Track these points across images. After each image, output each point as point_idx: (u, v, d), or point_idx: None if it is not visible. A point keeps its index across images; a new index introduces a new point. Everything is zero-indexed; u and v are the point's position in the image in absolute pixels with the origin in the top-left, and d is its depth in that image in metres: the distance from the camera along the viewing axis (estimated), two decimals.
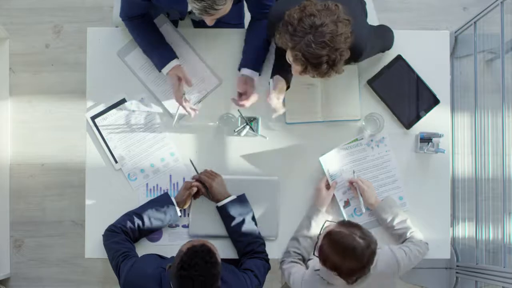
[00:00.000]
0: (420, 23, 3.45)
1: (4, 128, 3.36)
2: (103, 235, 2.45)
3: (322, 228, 2.26)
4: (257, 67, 2.51)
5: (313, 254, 2.22)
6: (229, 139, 2.59)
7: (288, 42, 2.10)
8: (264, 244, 2.48)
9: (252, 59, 2.50)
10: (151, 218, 2.44)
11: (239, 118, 2.54)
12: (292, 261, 2.44)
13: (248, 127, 2.53)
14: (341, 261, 2.10)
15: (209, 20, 2.21)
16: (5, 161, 3.35)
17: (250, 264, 2.39)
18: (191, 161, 2.52)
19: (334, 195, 2.55)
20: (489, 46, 3.17)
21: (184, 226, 2.56)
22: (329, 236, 2.14)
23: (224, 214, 2.48)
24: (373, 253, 2.13)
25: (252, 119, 2.56)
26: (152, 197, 2.54)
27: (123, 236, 2.41)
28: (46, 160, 3.38)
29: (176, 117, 2.55)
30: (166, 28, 2.60)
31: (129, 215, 2.45)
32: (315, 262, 2.33)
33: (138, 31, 2.50)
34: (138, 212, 2.45)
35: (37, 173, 3.38)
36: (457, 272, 3.20)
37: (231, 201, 2.47)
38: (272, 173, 2.57)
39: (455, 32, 3.23)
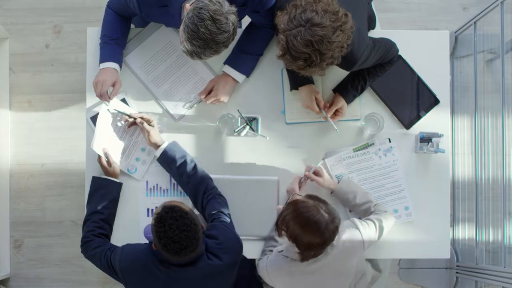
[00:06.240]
0: (420, 23, 3.45)
1: (4, 128, 3.35)
2: (81, 251, 2.44)
3: (289, 198, 2.24)
4: (244, 71, 2.53)
5: (275, 223, 2.20)
6: (229, 139, 2.59)
7: (283, 23, 2.10)
8: (211, 179, 2.48)
9: (241, 63, 2.53)
10: (105, 205, 2.46)
11: (239, 118, 2.54)
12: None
13: (248, 127, 2.53)
14: (302, 231, 2.08)
15: None
16: (5, 161, 3.35)
17: (214, 206, 2.40)
18: (116, 110, 2.50)
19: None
20: (489, 46, 3.18)
21: None
22: (294, 205, 2.12)
23: (167, 158, 2.47)
24: (335, 229, 2.10)
25: (252, 119, 2.56)
26: (152, 196, 2.55)
27: (99, 239, 2.41)
28: (46, 160, 3.38)
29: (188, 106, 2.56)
30: (165, 27, 2.59)
31: (88, 220, 2.45)
32: (278, 245, 2.33)
33: (108, 20, 2.49)
34: (93, 211, 2.45)
35: (37, 173, 3.38)
36: (457, 272, 3.21)
37: (169, 145, 2.47)
38: (272, 173, 2.57)
39: (455, 32, 3.23)
